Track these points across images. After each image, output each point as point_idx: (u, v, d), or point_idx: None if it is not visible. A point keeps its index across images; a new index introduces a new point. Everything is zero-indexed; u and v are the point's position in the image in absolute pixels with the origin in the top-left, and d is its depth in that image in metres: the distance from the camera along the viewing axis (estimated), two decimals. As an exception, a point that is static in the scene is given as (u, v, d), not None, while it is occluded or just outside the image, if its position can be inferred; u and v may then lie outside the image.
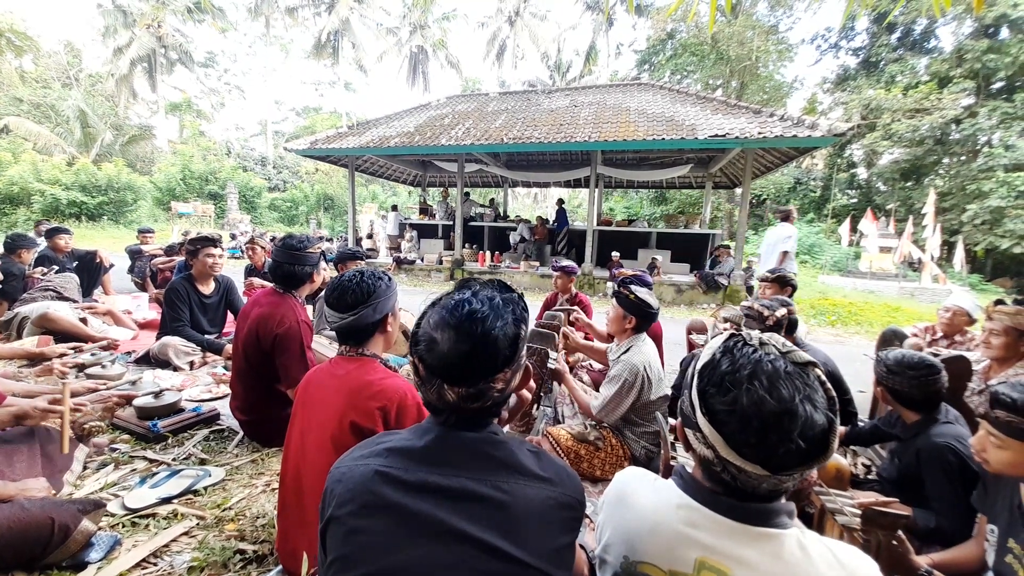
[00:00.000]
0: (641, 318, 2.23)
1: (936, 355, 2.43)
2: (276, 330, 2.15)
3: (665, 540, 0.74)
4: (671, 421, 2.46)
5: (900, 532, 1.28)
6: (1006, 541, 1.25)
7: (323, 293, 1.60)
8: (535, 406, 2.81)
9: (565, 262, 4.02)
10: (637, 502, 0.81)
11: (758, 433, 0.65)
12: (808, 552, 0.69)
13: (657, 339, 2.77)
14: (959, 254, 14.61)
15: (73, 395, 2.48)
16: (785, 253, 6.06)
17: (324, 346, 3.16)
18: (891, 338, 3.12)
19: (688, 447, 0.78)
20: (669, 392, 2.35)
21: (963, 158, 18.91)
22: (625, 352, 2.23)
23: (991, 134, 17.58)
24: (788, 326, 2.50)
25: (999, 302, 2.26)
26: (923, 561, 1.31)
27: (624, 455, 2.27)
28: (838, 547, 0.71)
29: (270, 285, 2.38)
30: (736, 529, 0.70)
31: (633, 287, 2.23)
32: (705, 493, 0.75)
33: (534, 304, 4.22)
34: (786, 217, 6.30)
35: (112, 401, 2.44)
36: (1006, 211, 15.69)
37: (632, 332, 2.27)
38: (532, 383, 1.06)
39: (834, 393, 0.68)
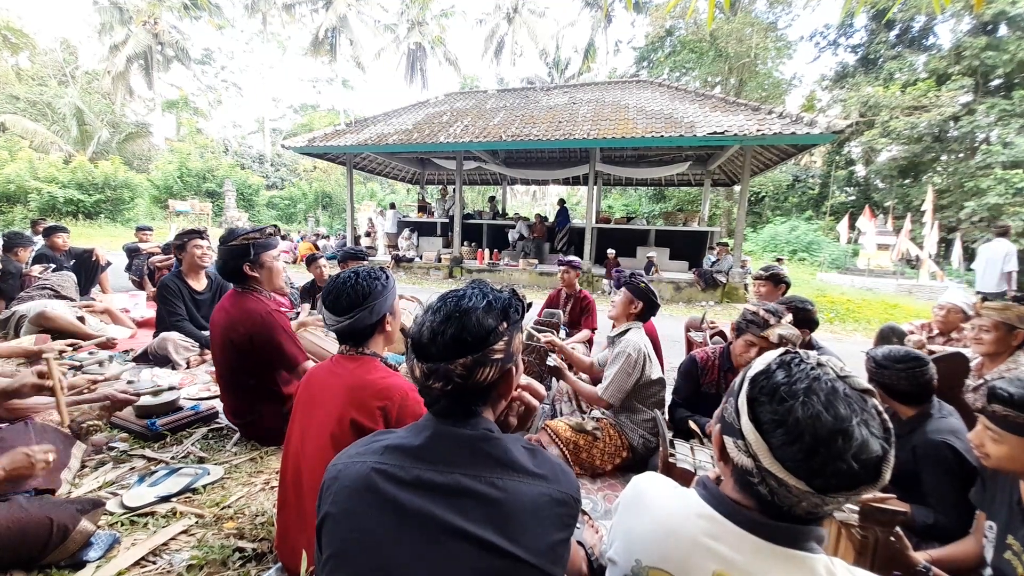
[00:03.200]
0: (647, 305, 2.39)
1: (932, 352, 2.44)
2: (247, 330, 2.12)
3: (681, 548, 0.72)
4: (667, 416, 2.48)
5: (898, 528, 1.28)
6: (1004, 537, 1.26)
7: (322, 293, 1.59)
8: None
9: (571, 257, 4.16)
10: (654, 506, 0.80)
11: (809, 448, 0.62)
12: None
13: (653, 340, 2.80)
14: (957, 251, 14.64)
15: (71, 388, 2.49)
16: (1009, 274, 5.48)
17: (320, 338, 3.16)
18: (889, 335, 3.12)
19: (722, 456, 0.75)
20: (663, 377, 2.41)
21: (961, 155, 18.93)
22: (624, 333, 2.37)
23: (989, 131, 17.59)
24: (808, 324, 2.51)
25: (986, 298, 2.28)
26: (921, 557, 1.31)
27: (622, 445, 2.31)
28: None
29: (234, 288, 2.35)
30: (761, 547, 0.68)
31: (646, 280, 2.44)
32: (732, 506, 0.72)
33: (540, 301, 4.23)
34: (1003, 233, 5.77)
35: (116, 399, 2.44)
36: (1004, 208, 15.70)
37: (635, 318, 2.41)
38: (541, 390, 1.05)
39: (891, 425, 0.66)
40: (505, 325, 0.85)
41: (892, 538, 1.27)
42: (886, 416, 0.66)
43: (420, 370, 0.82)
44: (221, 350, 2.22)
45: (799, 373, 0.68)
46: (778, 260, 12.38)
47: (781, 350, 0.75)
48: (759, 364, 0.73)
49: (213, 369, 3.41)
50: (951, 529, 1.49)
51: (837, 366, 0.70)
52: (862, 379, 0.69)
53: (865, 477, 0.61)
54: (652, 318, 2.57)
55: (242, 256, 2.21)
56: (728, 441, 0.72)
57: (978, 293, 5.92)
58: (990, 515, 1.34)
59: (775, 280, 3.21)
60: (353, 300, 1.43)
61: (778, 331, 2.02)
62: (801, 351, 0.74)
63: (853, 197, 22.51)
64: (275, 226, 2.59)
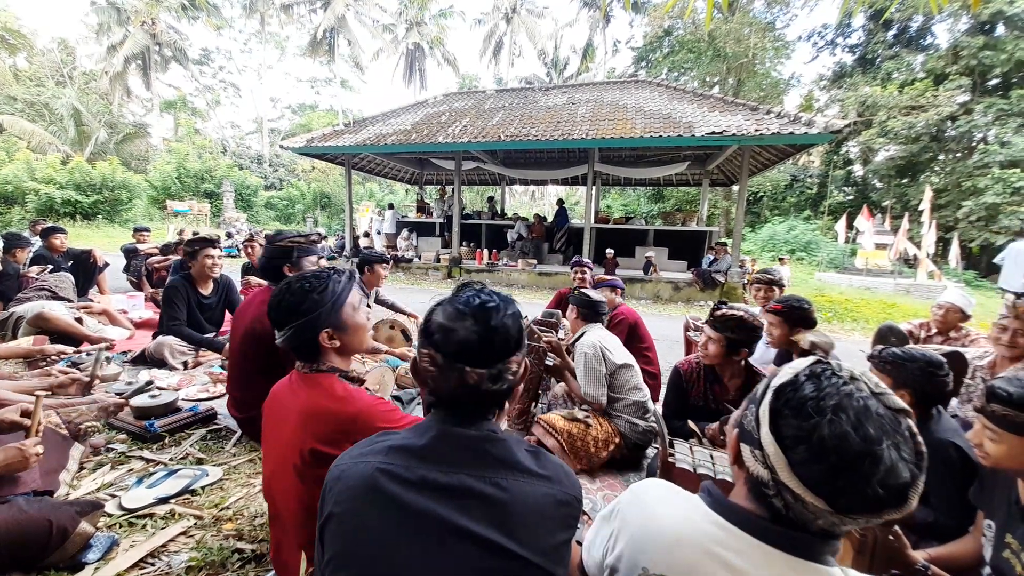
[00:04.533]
0: (585, 306, 2.59)
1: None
2: None
3: (689, 556, 0.69)
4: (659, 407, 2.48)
5: (896, 527, 1.28)
6: (1003, 536, 1.26)
7: None
8: (534, 403, 2.84)
9: (585, 260, 4.35)
10: (659, 512, 0.76)
11: (832, 468, 0.59)
12: None
13: (630, 317, 3.19)
14: (954, 251, 14.69)
15: (61, 387, 2.47)
16: None
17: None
18: (887, 334, 3.12)
19: (736, 460, 0.72)
20: (631, 362, 2.49)
21: (958, 155, 18.98)
22: (579, 337, 2.54)
23: (986, 131, 17.64)
24: (805, 324, 2.51)
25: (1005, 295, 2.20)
26: (920, 556, 1.31)
27: (613, 431, 2.38)
28: None
29: (268, 284, 2.39)
30: (773, 556, 0.65)
31: (584, 290, 2.67)
32: (742, 514, 0.69)
33: (539, 301, 4.22)
34: None
35: (107, 407, 2.43)
36: (1001, 207, 15.75)
37: (583, 322, 2.60)
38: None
39: (924, 448, 0.61)
40: (523, 320, 0.91)
41: (891, 537, 1.27)
42: (920, 439, 0.62)
43: (478, 376, 0.81)
44: (244, 339, 2.16)
45: (829, 387, 0.63)
46: (780, 260, 12.39)
47: (812, 359, 0.70)
48: (787, 373, 0.69)
49: (211, 370, 3.42)
50: (950, 528, 1.49)
51: (872, 381, 0.65)
52: (897, 398, 0.65)
53: (890, 502, 0.58)
54: (624, 303, 3.02)
55: (284, 257, 2.30)
56: (745, 448, 0.70)
57: (1001, 290, 5.89)
58: (988, 514, 1.34)
59: (777, 285, 3.26)
60: (282, 315, 1.29)
61: (810, 338, 1.97)
62: (834, 362, 0.68)
63: (851, 197, 22.57)
64: (319, 234, 2.67)
